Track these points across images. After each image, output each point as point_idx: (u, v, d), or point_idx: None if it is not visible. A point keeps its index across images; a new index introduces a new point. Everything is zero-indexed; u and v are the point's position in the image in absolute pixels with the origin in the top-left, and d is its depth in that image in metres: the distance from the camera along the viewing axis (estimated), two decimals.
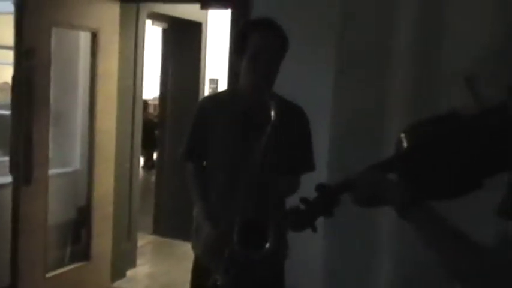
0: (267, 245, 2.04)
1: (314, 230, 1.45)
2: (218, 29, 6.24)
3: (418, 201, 1.21)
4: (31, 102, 3.60)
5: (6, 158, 3.75)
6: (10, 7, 3.67)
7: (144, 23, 5.01)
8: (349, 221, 2.72)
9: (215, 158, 2.44)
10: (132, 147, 4.85)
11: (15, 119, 3.59)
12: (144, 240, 5.82)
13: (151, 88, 8.17)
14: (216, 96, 2.83)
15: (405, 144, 1.25)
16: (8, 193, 3.71)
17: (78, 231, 4.35)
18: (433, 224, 1.19)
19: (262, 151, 2.15)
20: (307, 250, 3.00)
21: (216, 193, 2.40)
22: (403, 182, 1.27)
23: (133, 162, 4.91)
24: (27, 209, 3.68)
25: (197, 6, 4.30)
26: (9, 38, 3.70)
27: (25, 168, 3.58)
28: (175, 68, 6.08)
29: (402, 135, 1.27)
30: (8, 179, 3.71)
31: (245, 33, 2.36)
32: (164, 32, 6.12)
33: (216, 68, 6.47)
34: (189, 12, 5.62)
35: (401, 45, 3.08)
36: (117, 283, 4.64)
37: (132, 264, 5.05)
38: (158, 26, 6.01)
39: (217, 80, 7.05)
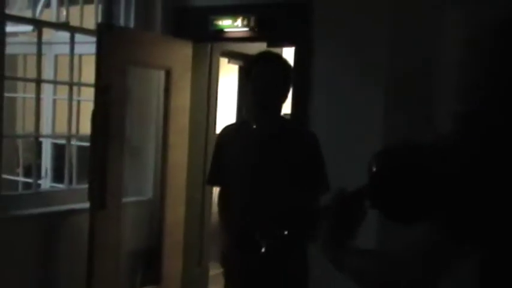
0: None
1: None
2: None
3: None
4: (107, 134, 3.92)
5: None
6: (94, 49, 4.03)
7: (218, 61, 5.28)
8: None
9: (233, 181, 2.64)
10: (203, 179, 5.08)
11: (93, 150, 3.92)
12: (218, 270, 5.98)
13: None
14: (234, 125, 3.08)
15: (373, 170, 1.29)
16: (87, 218, 4.00)
17: (150, 256, 4.60)
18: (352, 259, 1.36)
19: (266, 173, 2.38)
20: None
21: (235, 212, 2.63)
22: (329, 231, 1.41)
23: (205, 194, 5.12)
24: (102, 233, 3.96)
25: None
26: (93, 76, 4.06)
27: (100, 194, 3.88)
28: (249, 102, 6.29)
29: (370, 161, 1.31)
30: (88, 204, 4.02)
31: (251, 65, 2.60)
32: (240, 69, 6.39)
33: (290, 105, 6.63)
34: (263, 50, 5.83)
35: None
36: None
37: None
38: (234, 63, 6.28)
39: (289, 115, 7.20)
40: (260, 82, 2.58)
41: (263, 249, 2.17)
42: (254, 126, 2.66)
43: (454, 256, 1.21)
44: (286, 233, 1.85)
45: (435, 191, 1.20)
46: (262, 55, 2.73)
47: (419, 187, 1.22)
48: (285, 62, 2.69)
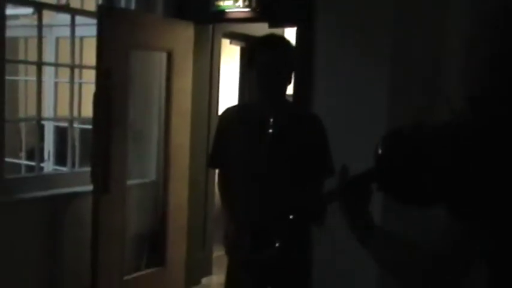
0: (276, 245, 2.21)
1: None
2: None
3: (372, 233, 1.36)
4: (109, 117, 3.90)
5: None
6: (95, 31, 4.00)
7: (220, 42, 5.25)
8: None
9: (235, 164, 2.62)
10: (207, 162, 5.06)
11: (95, 134, 3.90)
12: (222, 252, 6.00)
13: None
14: (237, 107, 3.04)
15: (379, 152, 1.29)
16: (90, 200, 3.97)
17: (154, 239, 4.61)
18: (388, 249, 1.35)
19: (270, 157, 2.35)
20: None
21: (238, 197, 2.61)
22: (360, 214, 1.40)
23: (208, 177, 5.11)
24: (106, 218, 3.96)
25: None
26: (94, 58, 4.03)
27: (103, 178, 3.88)
28: (252, 86, 6.27)
29: (378, 143, 1.30)
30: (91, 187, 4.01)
31: (254, 50, 2.56)
32: (242, 50, 6.36)
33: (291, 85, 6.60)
34: (265, 30, 5.78)
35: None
36: None
37: (208, 272, 5.27)
38: (236, 44, 6.25)
39: (290, 96, 7.18)
40: (263, 68, 2.54)
41: (277, 244, 2.14)
42: (258, 112, 2.62)
43: (463, 245, 1.21)
44: (291, 217, 1.84)
45: (440, 174, 1.20)
46: (264, 40, 2.67)
47: (425, 169, 1.22)
48: (287, 44, 2.65)
